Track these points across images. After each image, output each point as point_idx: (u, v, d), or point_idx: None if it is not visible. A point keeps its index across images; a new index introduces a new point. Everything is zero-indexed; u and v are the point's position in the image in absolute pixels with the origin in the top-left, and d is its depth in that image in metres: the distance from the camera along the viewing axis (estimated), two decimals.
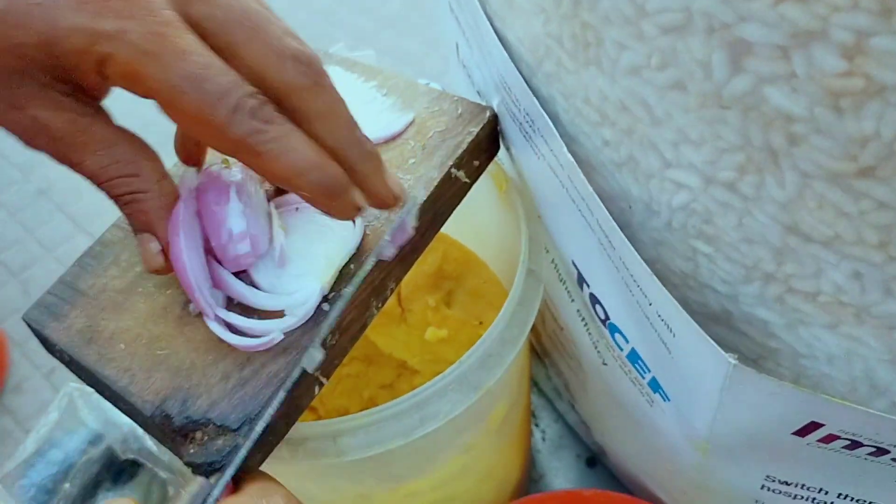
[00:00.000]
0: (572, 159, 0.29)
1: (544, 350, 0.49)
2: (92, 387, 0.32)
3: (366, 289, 0.30)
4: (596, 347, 0.38)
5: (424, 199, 0.32)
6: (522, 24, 0.29)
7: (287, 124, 0.26)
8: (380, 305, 0.31)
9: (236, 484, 0.27)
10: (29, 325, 0.33)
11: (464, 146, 0.33)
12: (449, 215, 0.34)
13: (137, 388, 0.29)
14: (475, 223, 0.45)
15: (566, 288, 0.39)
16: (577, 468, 0.51)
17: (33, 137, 0.27)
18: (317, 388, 0.29)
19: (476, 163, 0.34)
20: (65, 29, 0.25)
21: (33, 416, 1.18)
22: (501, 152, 0.41)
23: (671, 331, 0.27)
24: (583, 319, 0.38)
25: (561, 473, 0.50)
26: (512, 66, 0.31)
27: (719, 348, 0.25)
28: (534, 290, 0.36)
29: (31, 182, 1.41)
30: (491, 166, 0.41)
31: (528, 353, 0.45)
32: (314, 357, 0.28)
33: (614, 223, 0.28)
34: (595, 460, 0.51)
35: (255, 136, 0.25)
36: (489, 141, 0.35)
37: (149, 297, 0.32)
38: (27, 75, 0.26)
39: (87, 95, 0.27)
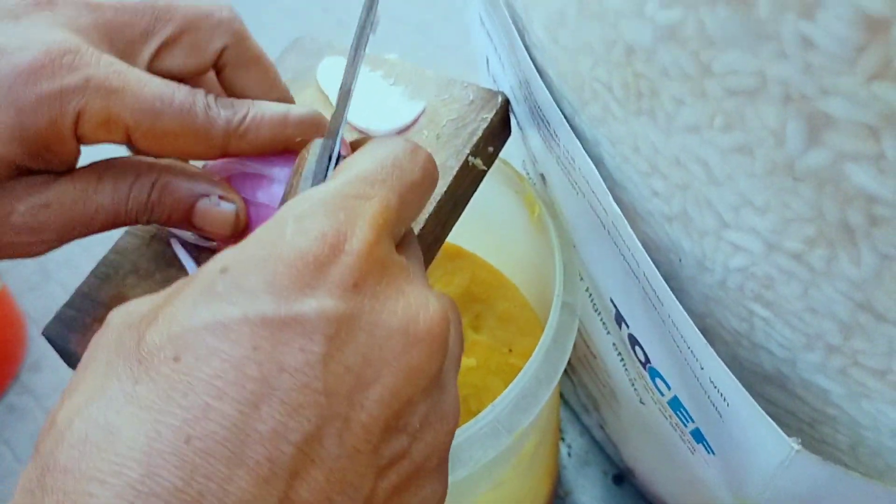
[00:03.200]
0: (618, 210, 0.27)
1: (572, 368, 0.47)
2: None
3: None
4: (633, 385, 0.36)
5: (445, 189, 0.32)
6: (567, 61, 0.27)
7: (241, 99, 0.28)
8: None
9: None
10: (50, 341, 0.32)
11: (479, 133, 0.33)
12: (466, 204, 0.34)
13: None
14: (505, 245, 0.43)
15: (601, 319, 0.37)
16: (604, 485, 0.50)
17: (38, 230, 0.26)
18: None
19: (491, 149, 0.34)
20: (31, 103, 0.24)
21: (52, 394, 1.18)
22: (537, 178, 0.39)
23: (725, 400, 0.25)
24: (619, 354, 0.36)
25: (587, 490, 0.49)
26: (552, 103, 0.29)
27: (782, 432, 0.23)
28: (569, 325, 0.34)
29: None
30: (523, 190, 0.39)
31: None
32: None
33: (663, 281, 0.26)
34: (622, 477, 0.50)
35: (235, 118, 0.27)
36: (502, 126, 0.34)
37: None
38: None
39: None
